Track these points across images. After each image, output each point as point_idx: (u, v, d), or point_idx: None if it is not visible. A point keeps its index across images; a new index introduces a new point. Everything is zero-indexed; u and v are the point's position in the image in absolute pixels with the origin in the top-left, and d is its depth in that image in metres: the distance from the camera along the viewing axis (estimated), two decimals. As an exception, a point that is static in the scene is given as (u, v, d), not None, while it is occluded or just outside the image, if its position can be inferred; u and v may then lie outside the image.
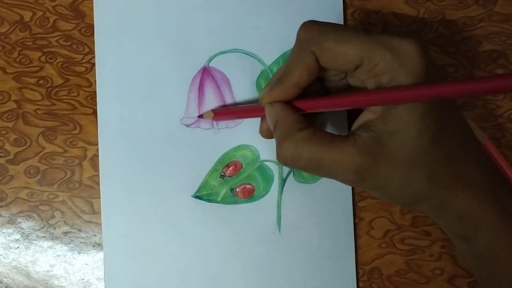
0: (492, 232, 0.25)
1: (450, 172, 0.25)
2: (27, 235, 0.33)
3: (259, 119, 0.31)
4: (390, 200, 0.28)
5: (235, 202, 0.33)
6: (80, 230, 0.33)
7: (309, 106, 0.27)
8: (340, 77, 0.28)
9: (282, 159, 0.26)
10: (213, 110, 0.32)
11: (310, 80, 0.26)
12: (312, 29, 0.26)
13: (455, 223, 0.26)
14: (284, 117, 0.26)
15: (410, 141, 0.24)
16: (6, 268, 0.33)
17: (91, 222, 0.33)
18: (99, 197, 0.33)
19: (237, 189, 0.33)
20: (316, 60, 0.25)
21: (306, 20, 0.27)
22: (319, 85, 0.29)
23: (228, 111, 0.32)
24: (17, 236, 0.33)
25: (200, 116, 0.33)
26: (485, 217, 0.25)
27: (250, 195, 0.33)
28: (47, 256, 0.33)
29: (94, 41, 0.33)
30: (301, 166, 0.25)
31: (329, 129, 0.33)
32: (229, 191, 0.33)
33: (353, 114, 0.28)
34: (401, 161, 0.24)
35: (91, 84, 0.34)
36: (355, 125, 0.26)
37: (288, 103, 0.27)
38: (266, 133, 0.30)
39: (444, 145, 0.24)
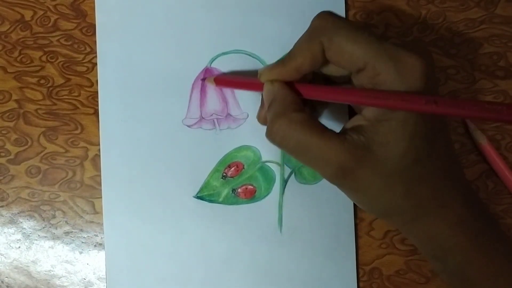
0: (463, 254, 0.25)
1: (426, 191, 0.25)
2: (28, 235, 0.33)
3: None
4: (365, 208, 0.28)
5: (237, 203, 0.33)
6: (81, 230, 0.33)
7: (308, 92, 0.26)
8: (344, 80, 0.28)
9: (271, 137, 0.26)
10: (215, 77, 0.32)
11: (312, 68, 0.26)
12: (327, 19, 0.26)
13: (425, 242, 0.27)
14: (282, 96, 0.26)
15: (396, 156, 0.24)
16: (7, 268, 0.33)
17: (92, 222, 0.33)
18: (101, 197, 0.33)
19: (239, 190, 0.33)
20: (323, 51, 0.25)
21: (307, 21, 0.27)
22: (323, 82, 0.29)
23: (230, 80, 0.32)
24: (18, 236, 0.33)
25: (203, 80, 0.33)
26: (455, 239, 0.25)
27: (251, 196, 0.33)
28: (48, 256, 0.33)
29: (95, 41, 0.33)
30: (288, 148, 0.25)
31: (328, 123, 0.33)
32: (231, 192, 0.33)
33: (354, 113, 0.28)
34: (384, 171, 0.24)
35: (92, 84, 0.34)
36: (348, 125, 0.26)
37: (288, 84, 0.27)
38: (264, 120, 0.30)
39: (427, 164, 0.25)
